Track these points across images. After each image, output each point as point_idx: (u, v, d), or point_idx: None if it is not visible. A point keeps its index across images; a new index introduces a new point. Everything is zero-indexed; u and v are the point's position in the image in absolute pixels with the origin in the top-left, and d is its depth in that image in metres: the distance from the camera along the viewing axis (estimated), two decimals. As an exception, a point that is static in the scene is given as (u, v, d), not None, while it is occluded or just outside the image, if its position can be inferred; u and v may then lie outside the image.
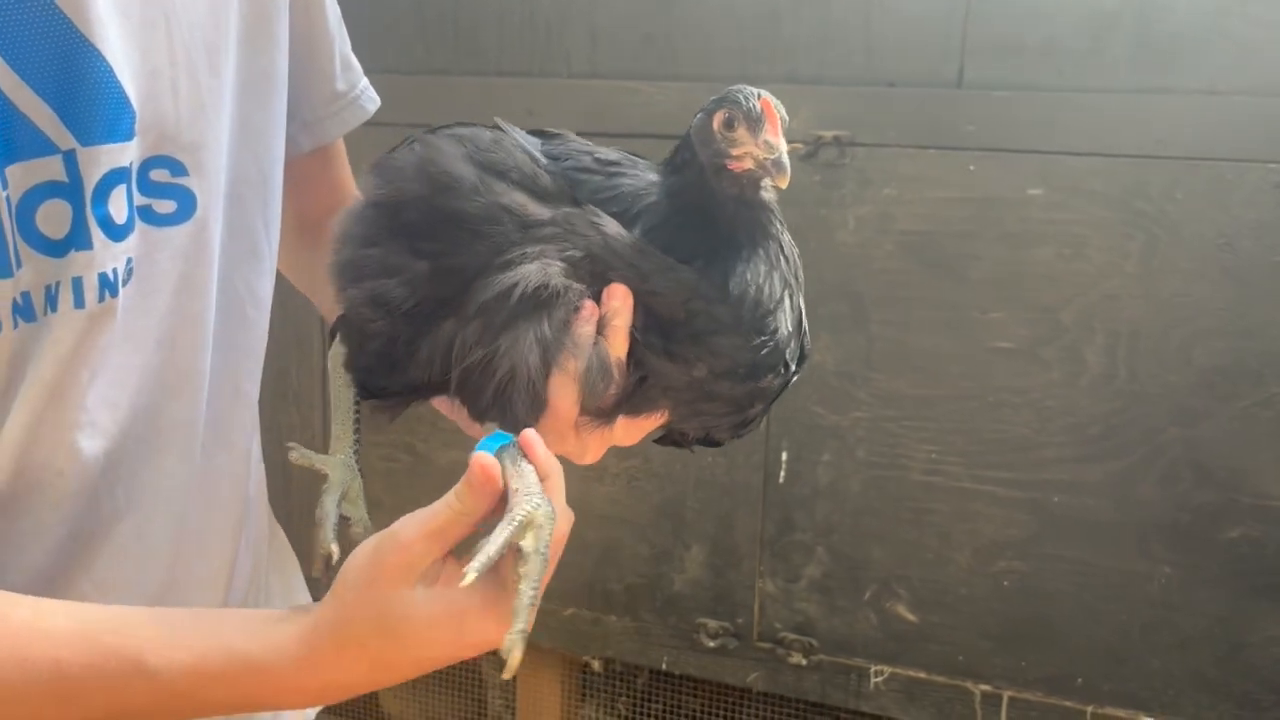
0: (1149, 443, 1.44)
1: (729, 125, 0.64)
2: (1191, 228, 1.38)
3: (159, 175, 0.65)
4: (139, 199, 0.64)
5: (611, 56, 1.60)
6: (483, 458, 0.61)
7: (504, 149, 0.67)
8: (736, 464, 1.63)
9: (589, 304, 0.65)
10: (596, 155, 0.70)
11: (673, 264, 0.66)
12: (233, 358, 0.76)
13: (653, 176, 0.70)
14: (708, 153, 0.66)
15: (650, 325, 0.67)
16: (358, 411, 0.75)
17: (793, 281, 0.69)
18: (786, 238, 0.69)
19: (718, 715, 1.80)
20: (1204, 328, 1.39)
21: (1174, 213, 1.38)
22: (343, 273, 0.70)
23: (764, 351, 0.67)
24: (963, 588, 1.54)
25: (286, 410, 1.91)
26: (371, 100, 0.88)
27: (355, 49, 0.89)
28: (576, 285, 0.65)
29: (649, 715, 1.86)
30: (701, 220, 0.67)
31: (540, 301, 0.64)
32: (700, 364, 0.67)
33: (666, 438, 0.77)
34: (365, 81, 0.88)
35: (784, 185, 0.64)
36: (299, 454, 0.75)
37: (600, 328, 0.66)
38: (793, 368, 0.70)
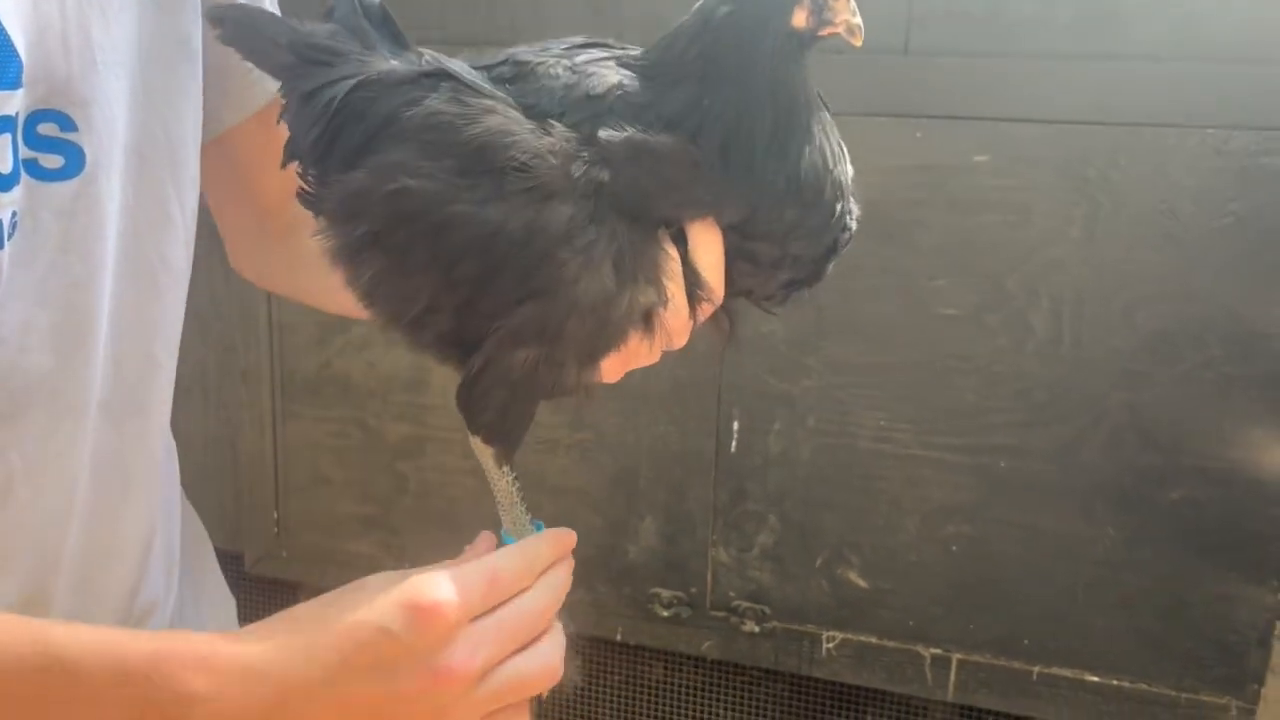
0: (1093, 407, 1.46)
1: None
2: (1134, 194, 1.39)
3: (46, 129, 0.64)
4: (25, 152, 0.63)
5: (558, 25, 1.58)
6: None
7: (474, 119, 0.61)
8: (688, 433, 1.63)
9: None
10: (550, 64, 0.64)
11: (722, 178, 0.62)
12: (142, 326, 0.74)
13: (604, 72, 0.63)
14: (813, 22, 0.63)
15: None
16: (518, 485, 0.70)
17: (836, 138, 0.66)
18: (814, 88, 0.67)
19: (673, 684, 1.81)
20: (1146, 293, 1.41)
21: (1117, 179, 1.39)
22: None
23: (841, 231, 0.66)
24: (912, 553, 1.56)
25: (234, 388, 1.88)
26: None
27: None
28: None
29: (606, 686, 1.86)
30: (741, 95, 0.62)
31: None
32: (781, 265, 0.66)
33: None
34: None
35: (859, 44, 0.64)
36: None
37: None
38: (856, 216, 0.68)
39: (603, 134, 0.60)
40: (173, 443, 0.86)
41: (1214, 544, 1.44)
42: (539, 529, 0.68)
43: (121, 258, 0.70)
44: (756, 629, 1.64)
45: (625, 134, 0.60)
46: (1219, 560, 1.45)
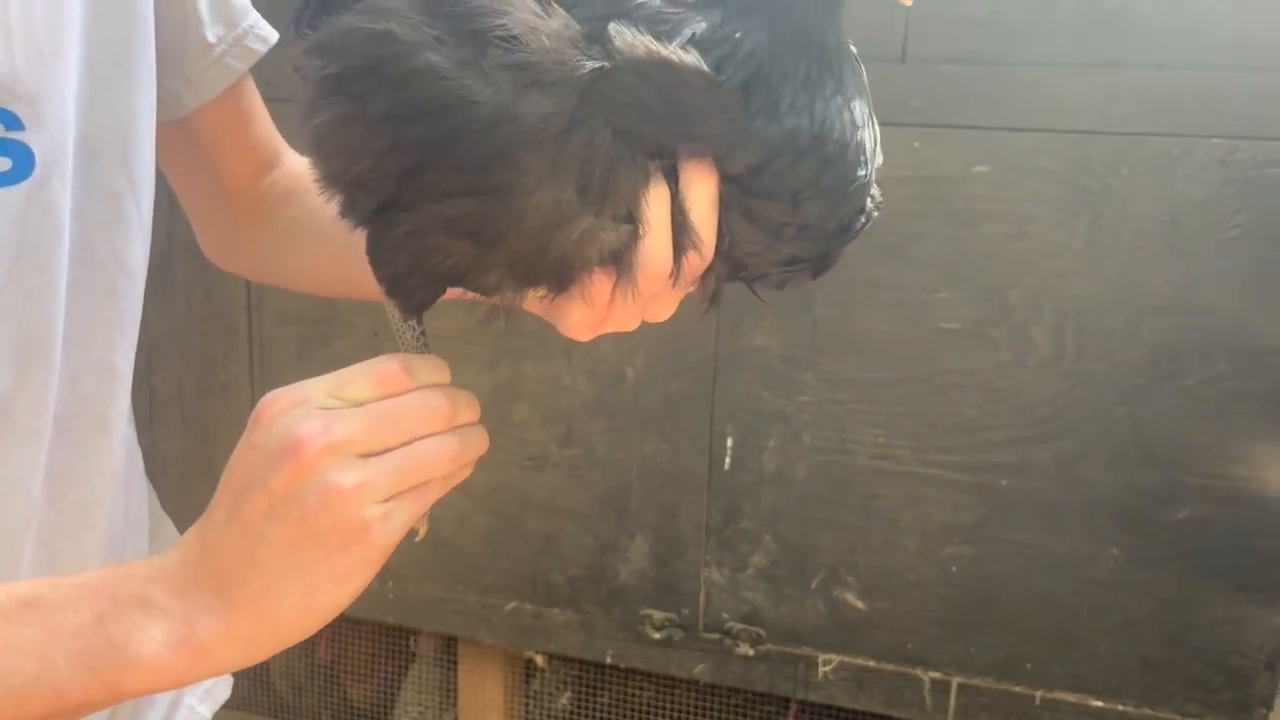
0: (1096, 423, 1.42)
1: None
2: (1136, 204, 1.36)
3: None
4: None
5: None
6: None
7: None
8: (681, 451, 1.59)
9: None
10: None
11: (742, 119, 0.54)
12: (101, 334, 0.69)
13: None
14: None
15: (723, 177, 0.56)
16: (423, 340, 0.64)
17: (869, 102, 0.59)
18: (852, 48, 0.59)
19: (664, 707, 1.76)
20: (1150, 306, 1.38)
21: (1119, 189, 1.36)
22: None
23: (859, 207, 0.59)
24: (911, 574, 1.52)
25: (214, 404, 1.83)
26: (260, 40, 0.79)
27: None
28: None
29: (595, 709, 1.81)
30: (769, 30, 0.55)
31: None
32: (785, 233, 0.58)
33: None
34: (253, 18, 0.79)
35: (910, 2, 0.58)
36: None
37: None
38: (877, 200, 0.60)
39: (614, 27, 0.52)
40: (137, 451, 0.81)
41: (1221, 564, 1.41)
42: None
43: (75, 263, 0.65)
44: (751, 651, 1.59)
45: (644, 38, 0.53)
46: (1226, 581, 1.41)
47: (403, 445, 0.54)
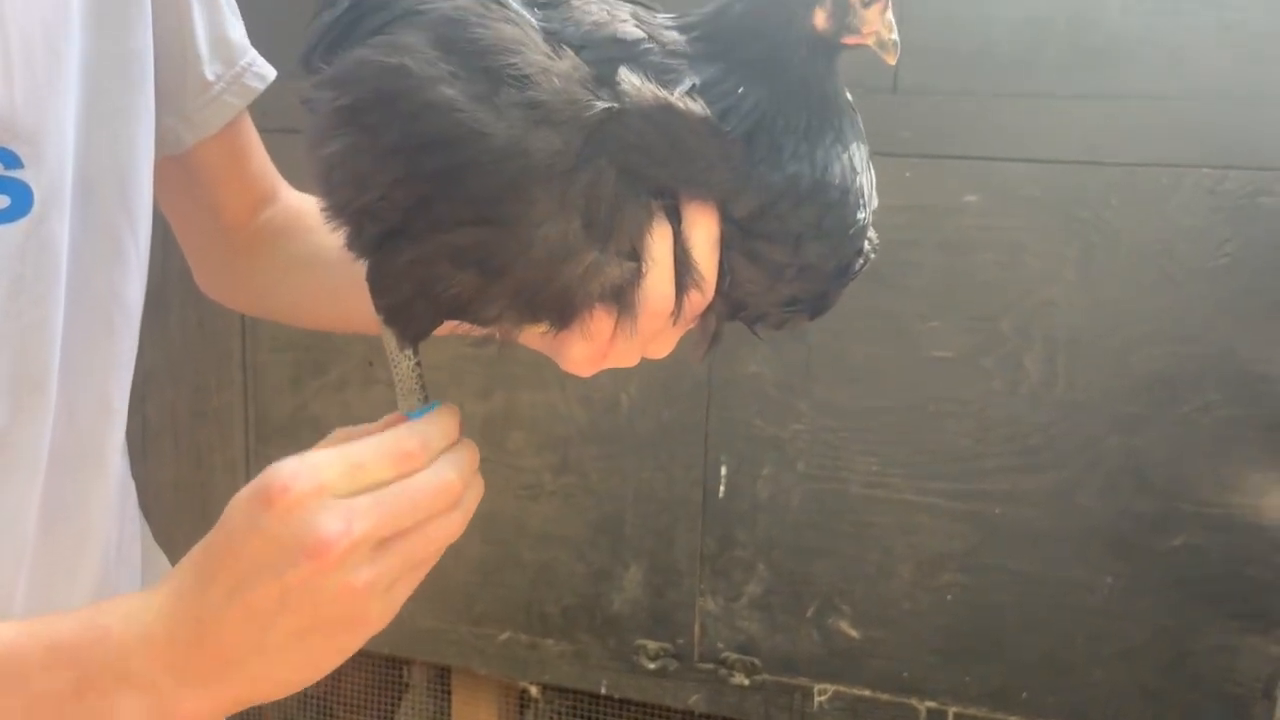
0: (1089, 451, 1.43)
1: (865, 2, 0.60)
2: (1128, 234, 1.37)
3: None
4: None
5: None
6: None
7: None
8: (675, 479, 1.59)
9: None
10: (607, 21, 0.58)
11: (746, 165, 0.56)
12: (98, 368, 0.69)
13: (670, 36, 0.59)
14: (834, 26, 0.59)
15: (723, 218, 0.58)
16: (419, 370, 0.65)
17: (867, 150, 0.62)
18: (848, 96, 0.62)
19: (659, 739, 1.75)
20: (1142, 334, 1.39)
21: (1111, 219, 1.37)
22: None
23: (857, 250, 0.61)
24: (906, 602, 1.52)
25: (205, 429, 1.83)
26: (258, 78, 0.79)
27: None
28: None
29: (589, 740, 1.80)
30: (770, 85, 0.58)
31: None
32: (785, 273, 0.59)
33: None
34: (251, 56, 0.79)
35: (894, 61, 0.60)
36: None
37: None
38: (874, 243, 0.62)
39: (624, 71, 0.54)
40: (131, 484, 0.81)
41: (1216, 592, 1.41)
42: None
43: (72, 298, 0.65)
44: (746, 681, 1.59)
45: (651, 84, 0.55)
46: (1221, 609, 1.41)
47: (414, 527, 0.54)
